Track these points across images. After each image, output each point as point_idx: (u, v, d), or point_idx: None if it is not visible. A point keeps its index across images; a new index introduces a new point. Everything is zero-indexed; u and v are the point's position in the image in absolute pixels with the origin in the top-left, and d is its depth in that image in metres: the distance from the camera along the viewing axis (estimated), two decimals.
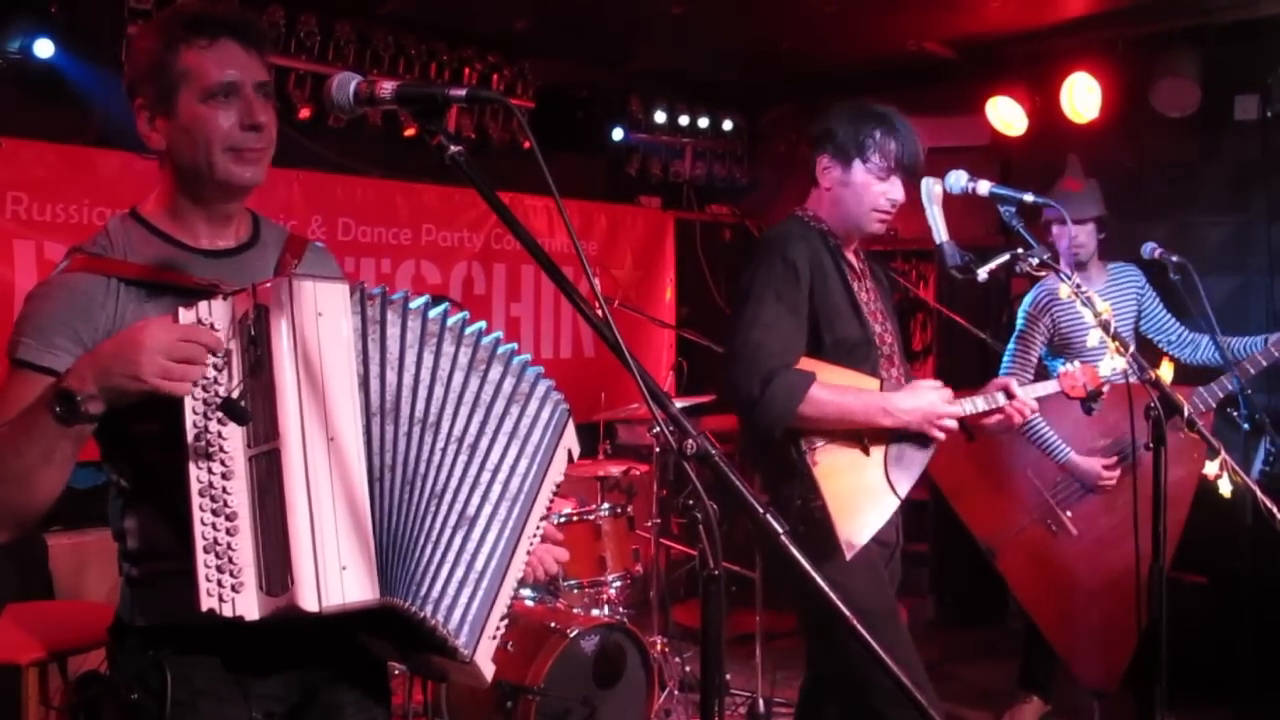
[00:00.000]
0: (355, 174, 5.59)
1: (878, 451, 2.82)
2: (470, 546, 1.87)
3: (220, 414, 1.70)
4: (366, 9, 5.29)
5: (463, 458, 1.88)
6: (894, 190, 2.91)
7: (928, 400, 2.81)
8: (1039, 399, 2.96)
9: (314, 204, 5.43)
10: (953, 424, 2.83)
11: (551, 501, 2.02)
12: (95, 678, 1.96)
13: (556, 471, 2.01)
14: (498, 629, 1.92)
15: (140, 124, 1.88)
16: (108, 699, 1.88)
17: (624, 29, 5.78)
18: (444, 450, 1.86)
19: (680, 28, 5.59)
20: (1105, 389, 2.99)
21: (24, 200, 4.55)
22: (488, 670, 1.91)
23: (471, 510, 1.88)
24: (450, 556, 1.84)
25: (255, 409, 1.71)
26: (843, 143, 2.91)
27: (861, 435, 2.81)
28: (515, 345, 1.99)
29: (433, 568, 1.82)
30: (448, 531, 1.85)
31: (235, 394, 1.70)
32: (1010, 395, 2.89)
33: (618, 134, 6.63)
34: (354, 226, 5.63)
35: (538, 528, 1.99)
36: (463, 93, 1.67)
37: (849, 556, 2.69)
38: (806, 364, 2.80)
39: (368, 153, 5.64)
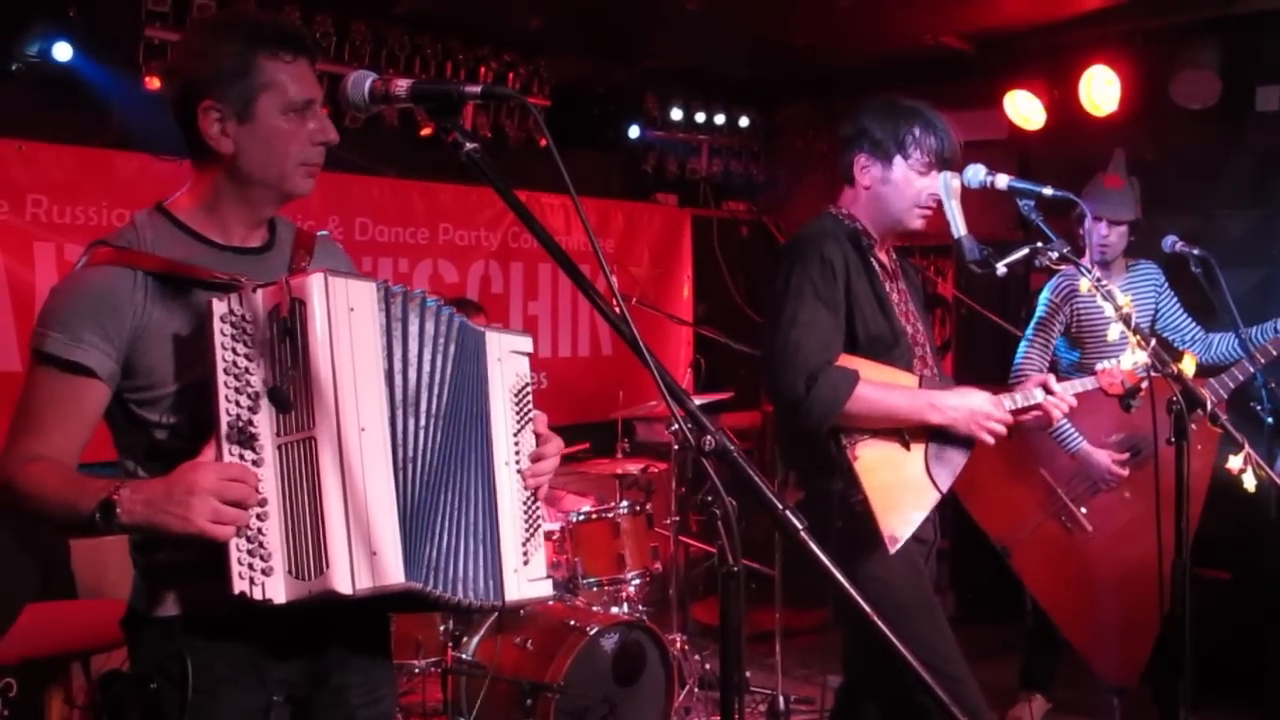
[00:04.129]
0: (372, 174, 5.60)
1: (918, 447, 2.81)
2: (471, 521, 1.95)
3: (251, 403, 1.75)
4: (382, 9, 5.29)
5: (460, 444, 1.95)
6: (935, 185, 2.89)
7: (975, 401, 2.80)
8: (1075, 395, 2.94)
9: (331, 204, 5.44)
10: (1001, 428, 2.81)
11: (525, 411, 2.05)
12: (118, 676, 1.97)
13: (500, 384, 2.02)
14: (524, 556, 2.01)
15: (206, 125, 1.87)
16: (131, 697, 1.90)
17: (639, 26, 5.77)
18: (450, 441, 1.93)
19: (695, 24, 5.58)
20: (1143, 386, 2.95)
21: (44, 203, 4.58)
22: (539, 591, 2.03)
23: (471, 490, 1.96)
24: (462, 539, 1.92)
25: (291, 397, 1.75)
26: (881, 140, 2.89)
27: (902, 431, 2.80)
28: (482, 330, 2.04)
29: (450, 551, 1.90)
30: (456, 514, 1.92)
31: (281, 384, 1.74)
32: (1049, 391, 2.87)
33: (634, 131, 6.63)
34: (371, 226, 5.64)
35: (515, 446, 2.03)
36: (478, 89, 1.68)
37: (893, 550, 2.69)
38: (845, 361, 2.78)
39: (384, 152, 5.65)
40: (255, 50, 1.87)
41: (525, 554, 2.02)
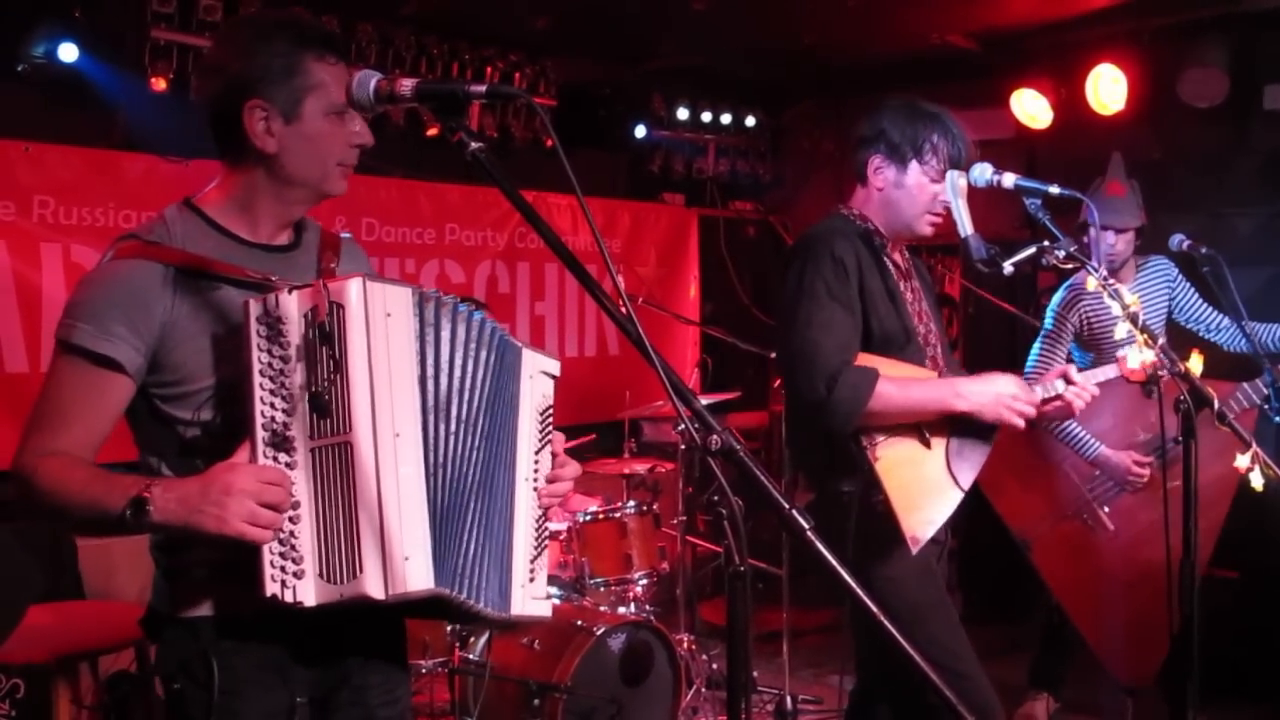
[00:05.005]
0: (378, 174, 5.60)
1: (939, 445, 2.78)
2: (492, 531, 1.95)
3: (286, 406, 1.75)
4: (388, 9, 5.30)
5: (490, 453, 1.96)
6: (945, 190, 2.88)
7: (1000, 385, 2.77)
8: (1098, 384, 2.92)
9: (338, 204, 5.41)
10: (1029, 409, 2.76)
11: (546, 431, 2.08)
12: (126, 677, 1.97)
13: (528, 402, 2.05)
14: (531, 573, 2.03)
15: (251, 123, 1.87)
16: (138, 698, 1.90)
17: (645, 26, 5.77)
18: (478, 448, 1.93)
19: (702, 24, 5.57)
20: (1164, 373, 2.93)
21: (50, 204, 4.59)
22: (540, 609, 2.05)
23: (495, 500, 1.97)
24: (484, 548, 1.93)
25: (329, 401, 1.75)
26: (898, 144, 2.87)
27: (922, 429, 2.78)
28: (520, 346, 2.06)
29: (474, 559, 1.90)
30: (481, 522, 1.92)
31: (319, 388, 1.74)
32: (1070, 381, 2.85)
33: (640, 131, 6.63)
34: (378, 227, 5.64)
35: (535, 464, 2.05)
36: (483, 89, 1.68)
37: (915, 551, 2.67)
38: (862, 360, 2.76)
39: (391, 153, 5.64)
40: (304, 51, 1.89)
41: (532, 571, 2.03)
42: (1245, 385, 3.93)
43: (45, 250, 4.57)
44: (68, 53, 4.55)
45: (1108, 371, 2.99)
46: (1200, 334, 4.36)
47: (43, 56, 4.55)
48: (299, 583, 1.73)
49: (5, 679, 3.56)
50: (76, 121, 4.76)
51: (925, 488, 2.75)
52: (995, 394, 2.75)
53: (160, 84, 4.70)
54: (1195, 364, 2.90)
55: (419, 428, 1.82)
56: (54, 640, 3.44)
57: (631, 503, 4.61)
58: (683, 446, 5.01)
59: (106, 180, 4.74)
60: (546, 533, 2.09)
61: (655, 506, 4.70)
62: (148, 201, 4.68)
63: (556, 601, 4.22)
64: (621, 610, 4.28)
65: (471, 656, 4.03)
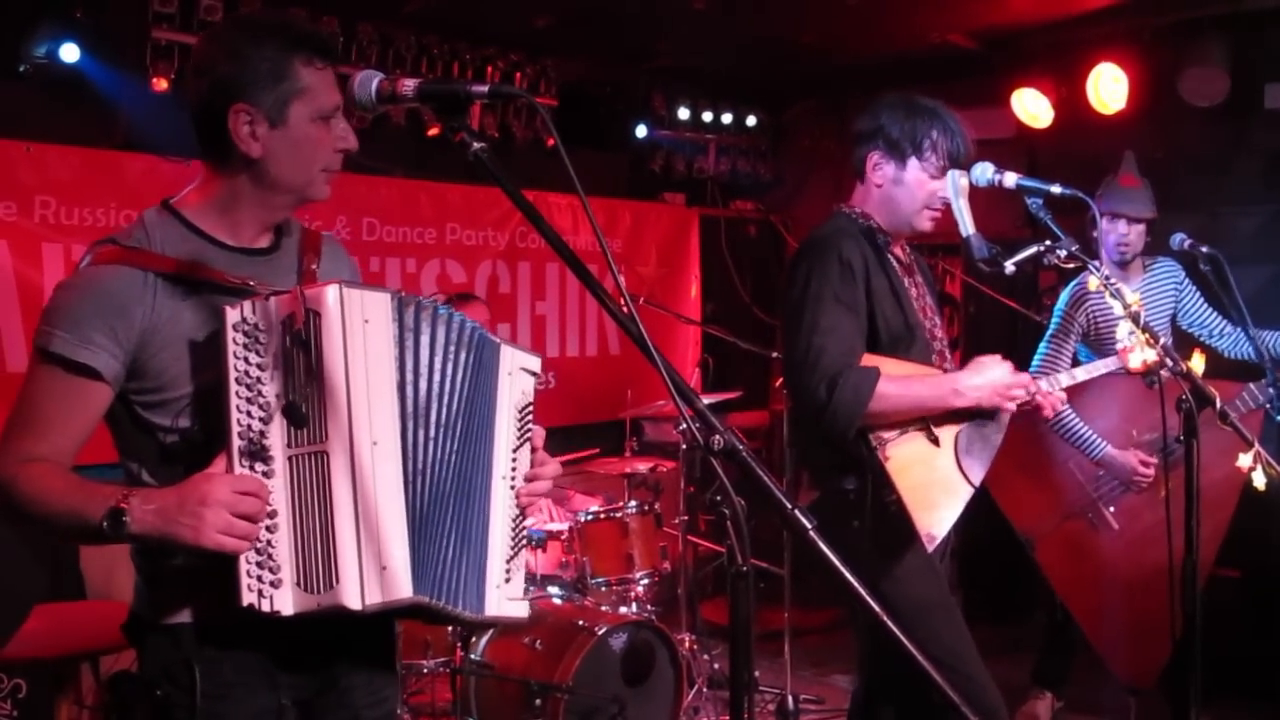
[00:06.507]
0: (379, 174, 5.60)
1: (947, 442, 2.78)
2: (469, 534, 1.93)
3: (264, 414, 1.73)
4: (389, 10, 5.29)
5: (468, 455, 1.94)
6: (945, 186, 2.88)
7: (996, 374, 2.78)
8: (1089, 380, 2.92)
9: (338, 204, 5.44)
10: (1022, 394, 2.79)
11: (525, 430, 2.05)
12: (127, 677, 1.97)
13: (507, 398, 2.02)
14: (506, 574, 2.00)
15: (236, 126, 1.85)
16: (139, 698, 1.89)
17: (645, 25, 5.76)
18: (456, 452, 1.91)
19: (702, 23, 5.57)
20: (1165, 372, 2.92)
21: (52, 204, 4.58)
22: (515, 610, 2.02)
23: (472, 502, 1.95)
24: (461, 551, 1.91)
25: (306, 411, 1.74)
26: (897, 140, 2.87)
27: (930, 427, 2.78)
28: (498, 343, 2.03)
29: (451, 563, 1.89)
30: (458, 525, 1.91)
31: (295, 397, 1.73)
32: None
33: (641, 131, 6.63)
34: (379, 226, 5.64)
35: (512, 462, 2.02)
36: (485, 89, 1.68)
37: (930, 549, 2.67)
38: (868, 360, 2.76)
39: (392, 152, 5.65)
40: (292, 55, 1.86)
41: (508, 572, 2.01)
42: (1252, 386, 3.92)
43: (47, 250, 4.57)
44: (69, 53, 4.55)
45: (1109, 364, 2.99)
46: (1203, 339, 4.35)
47: (44, 57, 4.54)
48: (276, 592, 1.72)
49: (7, 679, 3.56)
50: (78, 121, 4.76)
51: (938, 486, 2.75)
52: (992, 385, 2.76)
53: (161, 84, 4.71)
54: (1197, 363, 2.90)
55: (397, 435, 1.81)
56: (55, 640, 3.44)
57: (633, 502, 4.61)
58: (684, 446, 5.01)
59: (108, 180, 4.74)
60: (524, 532, 2.07)
61: (657, 506, 4.70)
62: (149, 202, 4.55)
63: (558, 601, 4.22)
64: (623, 610, 4.28)
65: (473, 656, 4.03)
